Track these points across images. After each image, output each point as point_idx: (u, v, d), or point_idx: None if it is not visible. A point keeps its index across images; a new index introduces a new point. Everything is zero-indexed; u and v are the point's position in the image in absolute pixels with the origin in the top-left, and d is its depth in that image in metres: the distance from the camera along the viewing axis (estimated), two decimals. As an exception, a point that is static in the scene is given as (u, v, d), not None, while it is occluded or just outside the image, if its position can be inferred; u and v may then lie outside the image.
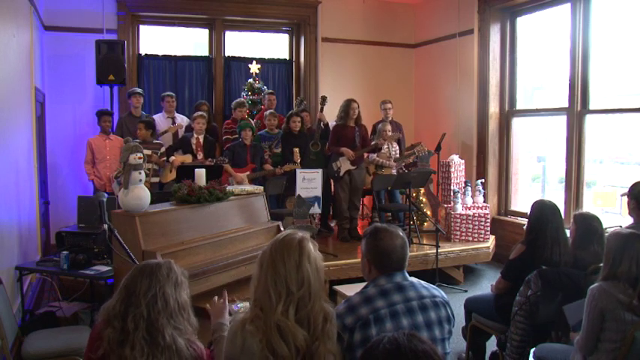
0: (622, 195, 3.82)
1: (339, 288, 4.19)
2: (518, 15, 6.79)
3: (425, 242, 5.89)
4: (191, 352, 1.80)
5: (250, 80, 7.26)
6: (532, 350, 3.10)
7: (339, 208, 6.11)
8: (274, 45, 8.19)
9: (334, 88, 7.53)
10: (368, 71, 8.07)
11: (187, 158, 5.91)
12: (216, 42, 7.63)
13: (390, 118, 6.76)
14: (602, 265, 2.65)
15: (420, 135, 8.07)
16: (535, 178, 7.23)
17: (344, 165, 6.00)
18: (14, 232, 4.40)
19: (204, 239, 3.82)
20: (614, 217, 5.61)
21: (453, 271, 5.78)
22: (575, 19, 5.82)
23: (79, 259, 3.91)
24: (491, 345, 3.72)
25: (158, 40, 7.55)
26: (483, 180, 6.59)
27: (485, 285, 5.51)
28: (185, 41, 7.82)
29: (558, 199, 5.77)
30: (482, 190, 6.30)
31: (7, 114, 4.25)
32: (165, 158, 5.87)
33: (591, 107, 5.80)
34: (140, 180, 3.58)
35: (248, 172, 5.96)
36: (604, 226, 3.24)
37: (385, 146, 6.38)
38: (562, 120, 6.05)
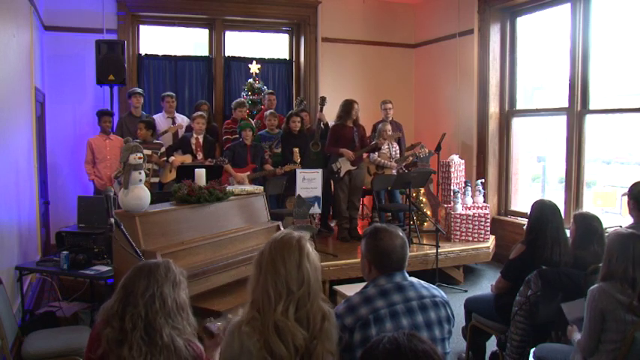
0: (622, 195, 3.82)
1: (339, 288, 4.19)
2: (518, 15, 6.79)
3: (425, 242, 5.89)
4: (190, 352, 1.79)
5: (250, 80, 7.26)
6: (532, 350, 3.10)
7: (339, 208, 6.11)
8: (274, 45, 8.19)
9: (334, 88, 7.53)
10: (368, 71, 8.07)
11: (187, 158, 5.91)
12: (216, 42, 7.63)
13: (391, 118, 6.76)
14: (601, 265, 2.65)
15: (420, 135, 8.07)
16: (535, 178, 7.23)
17: (344, 166, 6.00)
18: (14, 232, 4.40)
19: (204, 239, 3.82)
20: (614, 217, 5.61)
21: (453, 271, 5.77)
22: (575, 19, 5.82)
23: (79, 259, 3.90)
24: (491, 345, 3.72)
25: (158, 40, 7.55)
26: (483, 180, 6.59)
27: (485, 285, 5.50)
28: (185, 41, 7.82)
29: (558, 199, 5.77)
30: (482, 190, 6.30)
31: (7, 114, 4.25)
32: (165, 158, 5.87)
33: (591, 107, 5.80)
34: (140, 180, 3.58)
35: (248, 172, 5.96)
36: (604, 226, 3.24)
37: (386, 146, 6.38)
38: (562, 120, 6.05)
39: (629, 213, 3.55)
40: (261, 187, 4.76)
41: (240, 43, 7.89)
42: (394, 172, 6.34)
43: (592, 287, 2.55)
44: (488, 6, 6.81)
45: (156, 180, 5.85)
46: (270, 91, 7.23)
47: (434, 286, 2.12)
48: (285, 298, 1.73)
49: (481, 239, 6.01)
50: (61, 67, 6.70)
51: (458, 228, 6.01)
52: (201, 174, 4.19)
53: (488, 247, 5.92)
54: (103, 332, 1.75)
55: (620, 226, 3.42)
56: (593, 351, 2.53)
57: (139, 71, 7.25)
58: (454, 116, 7.44)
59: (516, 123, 6.91)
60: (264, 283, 1.75)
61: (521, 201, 6.87)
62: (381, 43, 8.16)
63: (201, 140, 6.05)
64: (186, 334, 1.82)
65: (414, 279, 2.09)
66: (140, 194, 3.56)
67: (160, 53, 7.42)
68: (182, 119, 6.61)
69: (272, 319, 1.71)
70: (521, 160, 7.05)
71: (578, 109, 5.85)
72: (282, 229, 4.36)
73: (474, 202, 6.18)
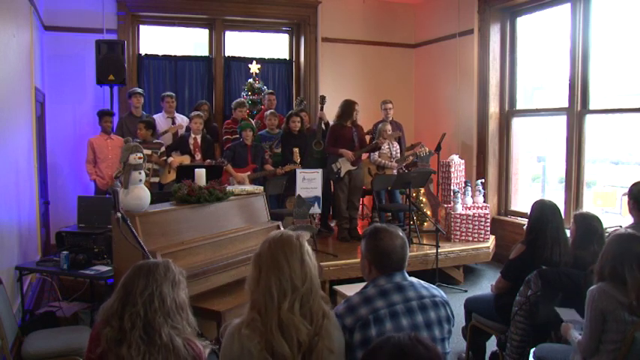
0: (622, 195, 3.82)
1: (339, 288, 4.19)
2: (518, 15, 6.79)
3: (425, 242, 5.89)
4: (189, 351, 1.79)
5: (250, 80, 7.26)
6: (532, 350, 3.10)
7: (339, 208, 6.11)
8: (274, 45, 8.19)
9: (334, 88, 7.53)
10: (368, 71, 8.07)
11: (185, 159, 5.91)
12: (216, 42, 7.63)
13: (391, 118, 6.76)
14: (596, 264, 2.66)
15: (420, 135, 8.07)
16: (535, 178, 7.23)
17: (344, 166, 5.99)
18: (14, 232, 4.40)
19: (204, 239, 3.82)
20: (614, 217, 5.61)
21: (453, 271, 5.77)
22: (575, 19, 5.82)
23: (79, 259, 3.90)
24: (491, 345, 3.72)
25: (158, 40, 7.55)
26: (483, 180, 6.59)
27: (485, 285, 5.50)
28: (185, 41, 7.82)
29: (558, 199, 5.76)
30: (482, 190, 6.30)
31: (7, 114, 4.25)
32: (165, 158, 5.87)
33: (591, 107, 5.80)
34: (140, 180, 3.58)
35: (249, 173, 5.97)
36: (604, 226, 3.24)
37: (386, 146, 6.38)
38: (562, 120, 6.05)
39: (629, 213, 3.55)
40: (261, 187, 4.75)
41: (240, 43, 7.89)
42: (394, 172, 6.34)
43: (592, 288, 2.55)
44: (488, 6, 6.81)
45: (156, 180, 5.85)
46: (270, 91, 7.23)
47: (434, 286, 2.12)
48: (291, 295, 1.74)
49: (481, 239, 6.01)
50: (61, 67, 6.70)
51: (458, 228, 6.01)
52: (201, 174, 4.19)
53: (488, 247, 5.92)
54: (103, 331, 1.75)
55: (620, 226, 3.42)
56: (593, 351, 2.53)
57: (139, 71, 7.25)
58: (454, 116, 7.44)
59: (516, 123, 6.90)
60: (267, 283, 1.75)
61: (521, 201, 6.87)
62: (381, 43, 8.16)
63: (199, 140, 6.04)
64: (185, 333, 1.82)
65: (413, 279, 2.09)
66: (140, 194, 3.55)
67: (160, 53, 7.42)
68: (182, 119, 6.61)
69: (275, 317, 1.71)
70: (521, 160, 7.05)
71: (578, 109, 5.85)
72: (282, 229, 4.36)
73: (473, 202, 6.18)
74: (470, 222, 6.02)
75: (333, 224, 6.63)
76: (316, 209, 5.68)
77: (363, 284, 2.11)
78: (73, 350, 3.07)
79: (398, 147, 6.59)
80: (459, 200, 6.08)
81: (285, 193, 6.10)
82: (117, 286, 1.85)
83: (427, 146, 6.60)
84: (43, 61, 6.55)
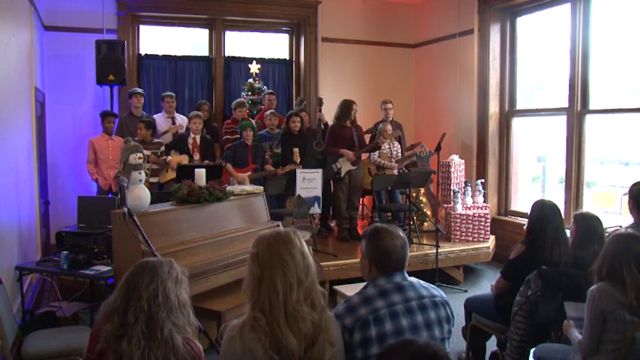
0: (622, 195, 3.83)
1: (339, 288, 4.19)
2: (518, 15, 6.79)
3: (425, 242, 5.89)
4: (188, 350, 1.80)
5: (250, 80, 7.26)
6: (532, 350, 3.10)
7: (339, 208, 6.11)
8: (274, 45, 8.19)
9: (334, 88, 7.53)
10: (368, 71, 8.06)
11: (183, 159, 5.92)
12: (216, 42, 7.63)
13: (391, 118, 6.76)
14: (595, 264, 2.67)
15: (420, 135, 8.07)
16: (535, 178, 7.23)
17: (344, 166, 5.99)
18: (14, 232, 4.40)
19: (204, 239, 3.82)
20: (614, 217, 5.61)
21: (453, 271, 5.77)
22: (575, 19, 5.82)
23: (79, 259, 3.90)
24: (491, 345, 3.72)
25: (158, 40, 7.55)
26: (483, 180, 6.59)
27: (485, 285, 5.50)
28: (185, 41, 7.82)
29: (558, 199, 5.76)
30: (482, 190, 6.30)
31: (7, 114, 4.25)
32: (164, 157, 5.88)
33: (591, 107, 5.80)
34: (140, 180, 3.59)
35: (250, 173, 5.97)
36: (604, 226, 3.24)
37: (386, 145, 6.38)
38: (562, 120, 6.05)
39: (629, 213, 3.55)
40: (261, 187, 4.76)
41: (240, 43, 7.89)
42: (395, 172, 6.34)
43: (592, 288, 2.56)
44: (488, 6, 6.81)
45: (155, 180, 5.85)
46: (270, 91, 7.23)
47: (433, 286, 2.12)
48: (297, 289, 1.75)
49: (481, 239, 6.01)
50: (61, 67, 6.70)
51: (458, 228, 6.01)
52: (201, 174, 4.19)
53: (488, 247, 5.92)
54: (103, 328, 1.76)
55: (620, 226, 3.42)
56: (594, 351, 2.53)
57: (139, 71, 7.25)
58: (454, 116, 7.44)
59: (516, 123, 6.90)
60: (271, 280, 1.75)
61: (521, 201, 6.87)
62: (381, 43, 8.16)
63: (198, 140, 6.04)
64: (186, 333, 1.82)
65: (413, 279, 2.09)
66: (140, 194, 3.55)
67: (160, 53, 7.42)
68: (182, 119, 6.61)
69: (282, 312, 1.72)
70: (521, 160, 7.05)
71: (578, 109, 5.85)
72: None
73: (473, 202, 6.18)
74: (470, 222, 6.02)
75: (333, 224, 6.63)
76: (316, 209, 5.68)
77: (363, 284, 2.11)
78: (73, 350, 3.07)
79: (399, 146, 6.59)
80: (459, 200, 6.08)
81: (285, 193, 6.10)
82: (119, 285, 1.85)
83: (427, 146, 6.60)
84: (43, 61, 6.55)
